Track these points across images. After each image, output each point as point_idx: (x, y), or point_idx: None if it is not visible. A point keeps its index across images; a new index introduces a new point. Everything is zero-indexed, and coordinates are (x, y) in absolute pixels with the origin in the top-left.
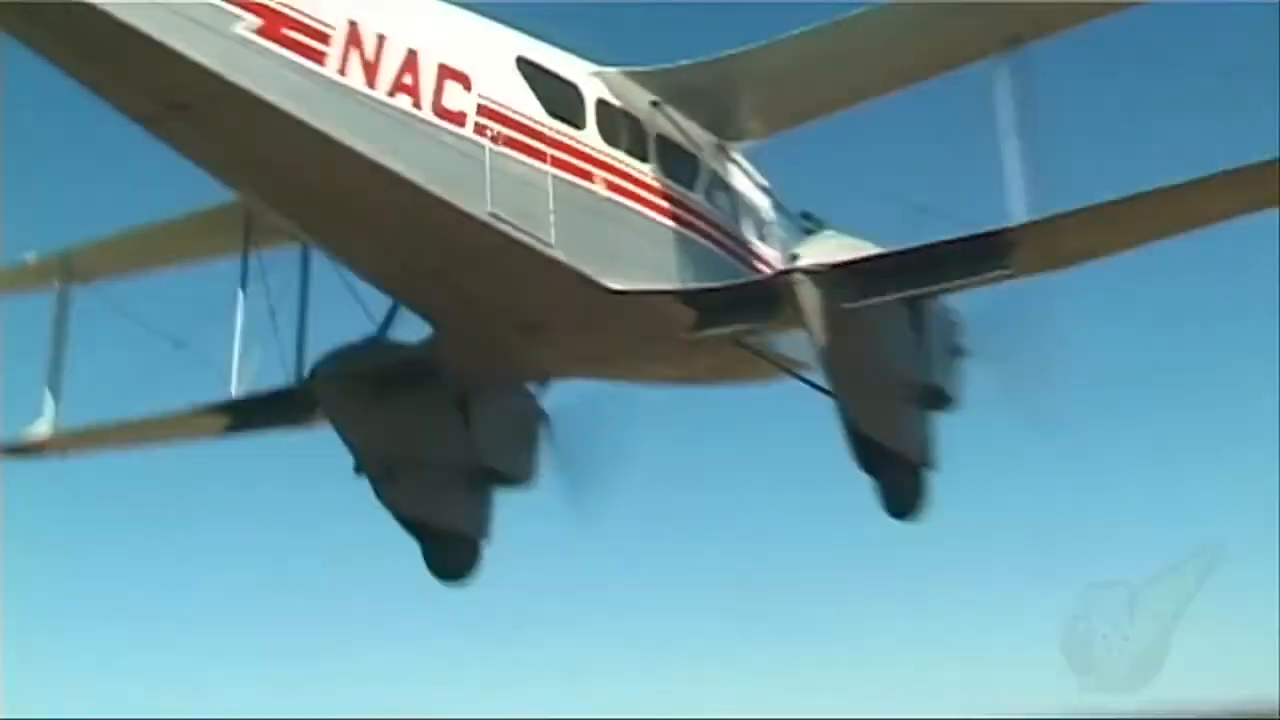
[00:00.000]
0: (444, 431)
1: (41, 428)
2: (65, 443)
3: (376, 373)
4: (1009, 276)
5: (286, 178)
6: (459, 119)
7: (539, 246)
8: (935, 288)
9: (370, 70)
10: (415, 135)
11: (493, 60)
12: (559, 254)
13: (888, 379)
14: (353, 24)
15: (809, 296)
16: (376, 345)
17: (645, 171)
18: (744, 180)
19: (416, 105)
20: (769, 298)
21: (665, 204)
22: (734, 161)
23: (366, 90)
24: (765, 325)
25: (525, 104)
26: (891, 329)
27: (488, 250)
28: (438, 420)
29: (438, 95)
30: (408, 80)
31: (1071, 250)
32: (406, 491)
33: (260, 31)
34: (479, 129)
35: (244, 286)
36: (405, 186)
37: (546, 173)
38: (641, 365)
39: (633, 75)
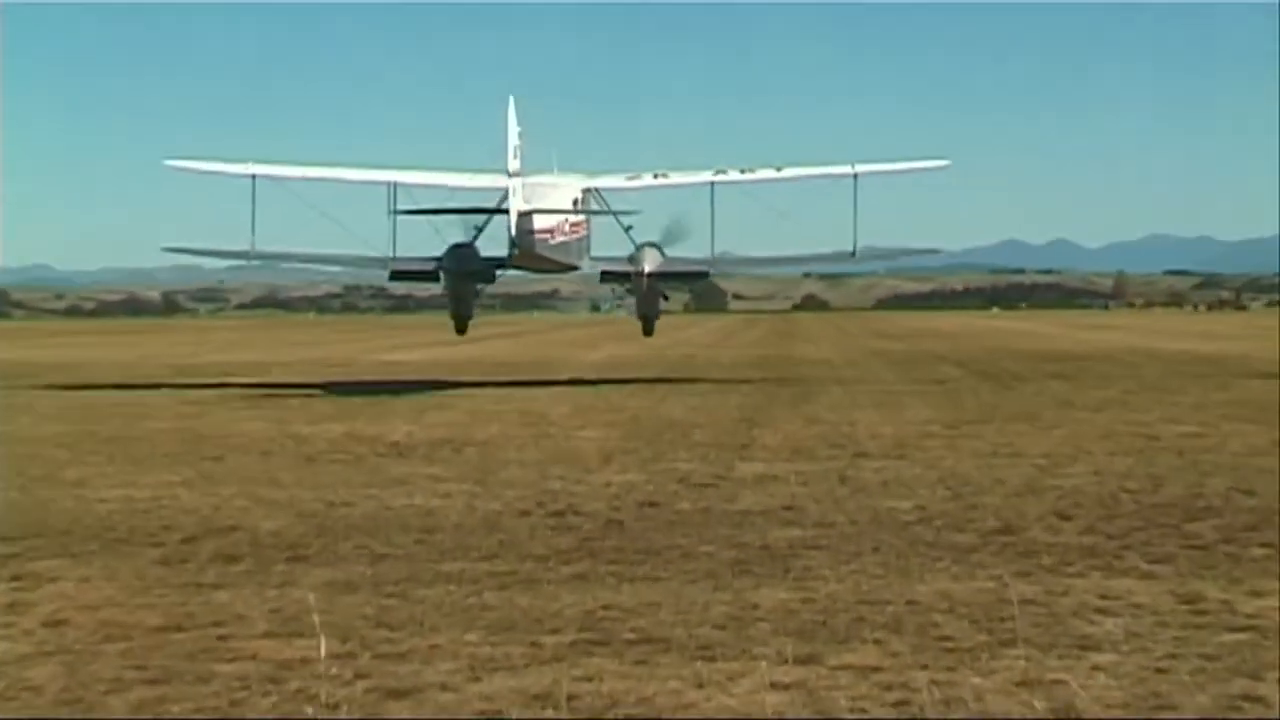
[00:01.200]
0: (473, 286)
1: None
2: (262, 255)
3: (469, 269)
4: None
5: (535, 254)
6: (566, 232)
7: (575, 261)
8: (680, 283)
9: (566, 230)
10: (564, 246)
11: (570, 201)
12: (575, 262)
13: (654, 296)
14: (564, 221)
15: (643, 280)
16: (470, 253)
17: (581, 217)
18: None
19: (562, 233)
20: (630, 276)
21: (583, 229)
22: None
23: (557, 239)
24: (625, 284)
25: (574, 214)
26: (659, 284)
27: (565, 266)
28: (473, 287)
29: (566, 228)
30: (565, 229)
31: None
32: (459, 305)
33: (550, 233)
34: (567, 231)
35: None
36: (559, 260)
37: (578, 235)
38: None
39: (589, 187)
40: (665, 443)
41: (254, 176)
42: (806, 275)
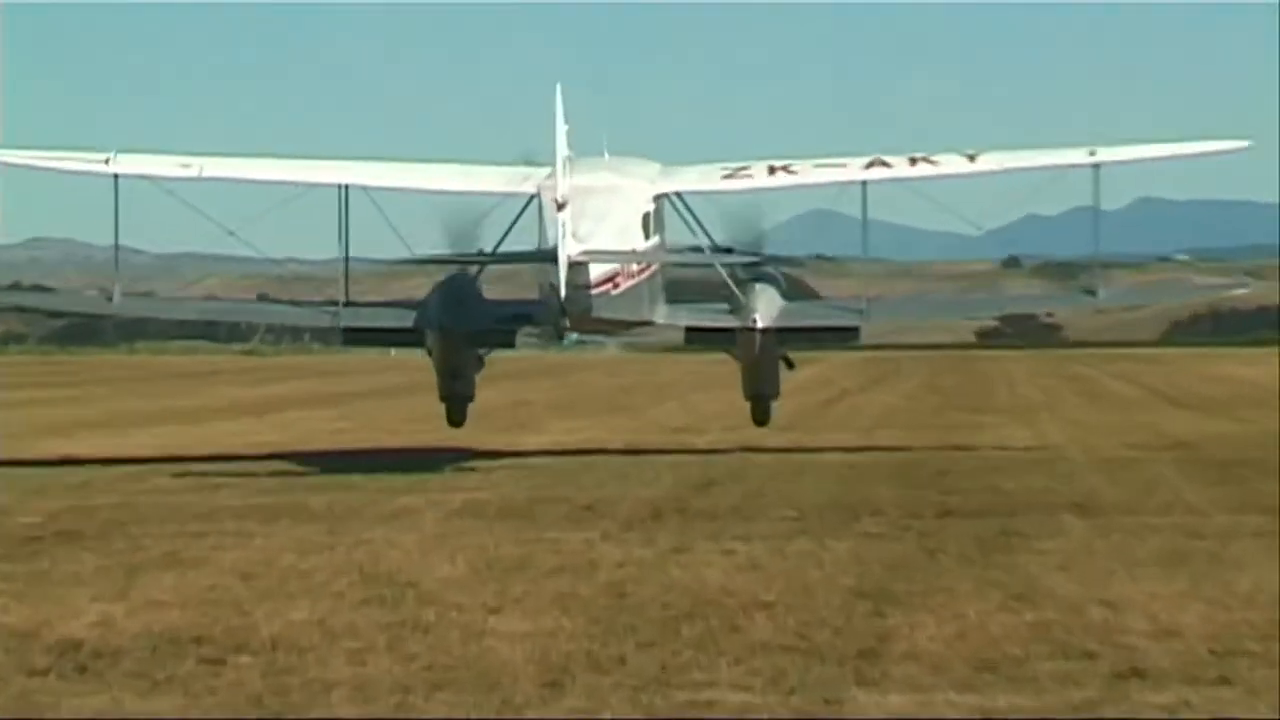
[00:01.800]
0: (476, 353)
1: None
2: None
3: (473, 327)
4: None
5: (592, 318)
6: (634, 273)
7: (646, 314)
8: (815, 342)
9: (634, 271)
10: (633, 296)
11: (640, 216)
12: (646, 315)
13: (772, 365)
14: (615, 273)
15: (756, 340)
16: (470, 296)
17: (650, 239)
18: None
19: (628, 276)
20: (734, 334)
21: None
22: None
23: (623, 287)
24: (728, 348)
25: (645, 257)
26: (780, 345)
27: (633, 324)
28: (476, 353)
29: (634, 266)
30: (632, 269)
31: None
32: (455, 381)
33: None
34: (634, 272)
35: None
36: (625, 318)
37: (649, 273)
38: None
39: (664, 192)
40: (686, 645)
41: (115, 175)
42: (1008, 263)
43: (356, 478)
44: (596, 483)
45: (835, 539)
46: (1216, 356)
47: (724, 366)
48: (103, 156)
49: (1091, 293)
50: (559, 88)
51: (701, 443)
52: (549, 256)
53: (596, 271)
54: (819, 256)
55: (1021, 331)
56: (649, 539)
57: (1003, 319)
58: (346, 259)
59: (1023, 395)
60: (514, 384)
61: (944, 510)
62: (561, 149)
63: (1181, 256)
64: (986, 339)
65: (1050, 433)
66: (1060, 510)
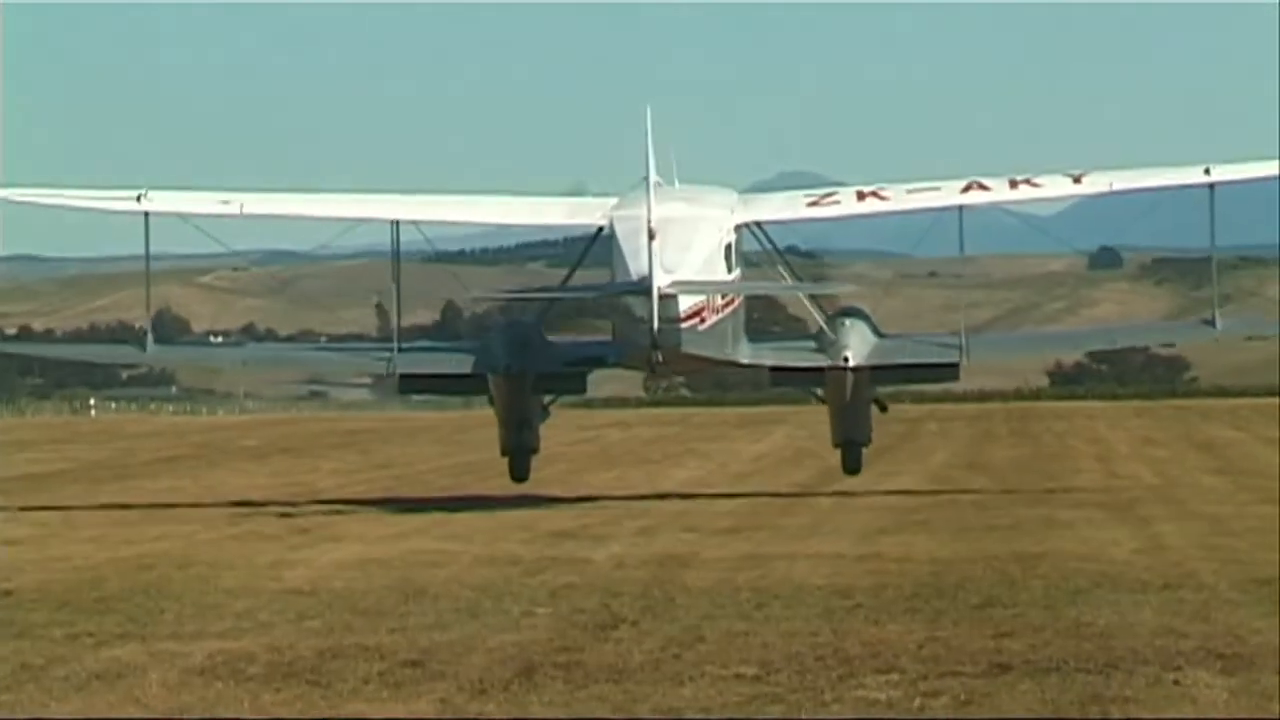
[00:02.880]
0: (541, 399)
1: None
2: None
3: (541, 369)
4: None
5: (681, 355)
6: (719, 308)
7: (730, 353)
8: (910, 379)
9: (719, 306)
10: (719, 332)
11: (723, 247)
12: (730, 354)
13: (864, 407)
14: (702, 306)
15: (847, 379)
16: (534, 338)
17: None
18: None
19: (713, 311)
20: (822, 374)
21: (737, 298)
22: None
23: (709, 322)
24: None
25: (733, 287)
26: (872, 385)
27: (719, 364)
28: (542, 400)
29: (718, 301)
30: (717, 304)
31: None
32: (521, 431)
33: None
34: (719, 307)
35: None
36: (712, 356)
37: (732, 308)
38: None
39: (745, 222)
40: None
41: (146, 214)
42: (1100, 258)
43: (38, 615)
44: (430, 621)
45: (821, 711)
46: None
47: (628, 430)
48: (133, 194)
49: (1211, 321)
50: (649, 110)
51: (601, 555)
52: (635, 289)
53: (685, 304)
54: (791, 250)
55: (1123, 370)
56: (516, 712)
57: (1092, 353)
58: (397, 303)
59: (1124, 474)
60: (293, 461)
61: (996, 663)
62: (653, 174)
63: None
64: (1066, 382)
65: (1170, 536)
66: (1188, 663)
